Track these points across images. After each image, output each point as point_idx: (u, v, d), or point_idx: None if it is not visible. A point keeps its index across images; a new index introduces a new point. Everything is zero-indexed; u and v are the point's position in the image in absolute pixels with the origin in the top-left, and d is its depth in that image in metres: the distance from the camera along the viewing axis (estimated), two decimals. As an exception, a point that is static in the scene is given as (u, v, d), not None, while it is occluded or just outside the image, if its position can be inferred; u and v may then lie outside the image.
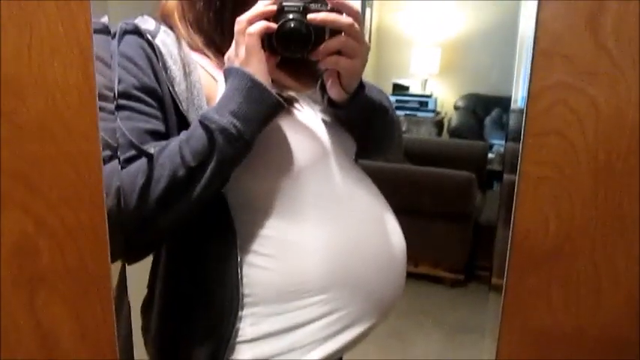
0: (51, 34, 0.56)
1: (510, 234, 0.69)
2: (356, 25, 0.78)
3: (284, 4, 0.77)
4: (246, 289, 0.82)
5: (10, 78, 0.56)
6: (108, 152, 0.71)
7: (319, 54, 0.79)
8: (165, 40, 0.83)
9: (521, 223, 0.69)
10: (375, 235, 0.89)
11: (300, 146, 0.84)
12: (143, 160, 0.75)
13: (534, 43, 0.62)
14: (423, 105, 5.68)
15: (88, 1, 0.56)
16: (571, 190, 0.67)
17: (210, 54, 0.87)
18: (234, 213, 0.82)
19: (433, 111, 5.70)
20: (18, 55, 0.56)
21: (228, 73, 0.78)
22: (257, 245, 0.83)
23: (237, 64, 0.77)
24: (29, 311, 0.62)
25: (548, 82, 0.63)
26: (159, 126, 0.79)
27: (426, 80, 5.89)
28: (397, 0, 5.97)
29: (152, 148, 0.75)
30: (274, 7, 0.77)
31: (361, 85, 0.87)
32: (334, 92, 0.86)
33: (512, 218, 0.69)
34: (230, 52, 0.79)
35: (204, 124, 0.75)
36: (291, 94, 0.88)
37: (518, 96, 0.66)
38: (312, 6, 0.78)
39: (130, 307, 0.68)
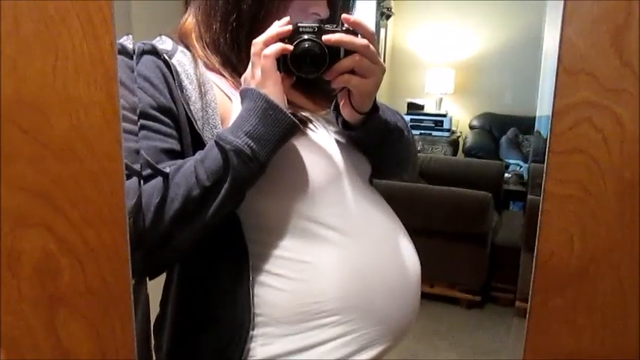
0: (76, 54, 0.56)
1: (535, 254, 0.68)
2: (371, 47, 0.79)
3: (299, 24, 0.78)
4: (257, 309, 0.81)
5: (36, 97, 0.56)
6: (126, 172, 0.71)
7: (332, 73, 0.79)
8: (181, 59, 0.84)
9: (545, 243, 0.68)
10: (390, 257, 0.89)
11: (313, 167, 0.84)
12: (159, 179, 0.75)
13: (558, 60, 0.61)
14: (438, 124, 5.68)
15: (112, 22, 0.56)
16: (596, 209, 0.65)
17: (226, 73, 0.88)
18: (246, 232, 0.82)
19: (448, 130, 5.69)
20: (43, 74, 0.56)
21: (244, 95, 0.78)
22: (269, 265, 0.82)
23: (253, 85, 0.78)
24: (49, 330, 0.62)
25: (572, 100, 0.62)
26: (175, 145, 0.80)
27: (440, 99, 5.90)
28: (411, 20, 6.01)
29: (168, 167, 0.76)
30: (290, 28, 0.78)
31: (375, 107, 0.86)
32: (346, 112, 0.86)
33: (536, 238, 0.68)
34: (247, 74, 0.80)
35: (219, 145, 0.75)
36: (306, 114, 0.88)
37: (542, 115, 0.66)
38: (327, 27, 0.78)
39: (149, 325, 0.67)
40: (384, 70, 0.81)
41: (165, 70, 0.82)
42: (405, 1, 5.97)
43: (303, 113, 0.88)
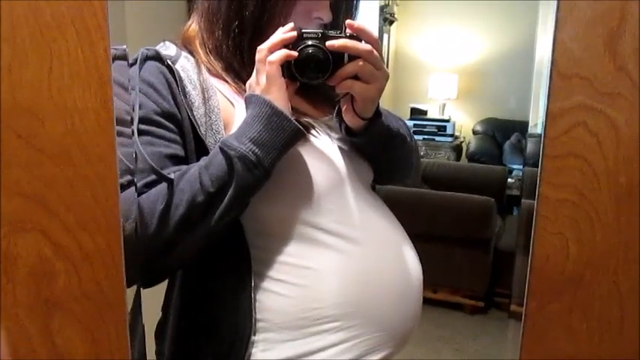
0: (71, 60, 0.57)
1: (530, 259, 0.68)
2: (375, 52, 0.79)
3: (303, 30, 0.78)
4: (259, 315, 0.81)
5: (31, 102, 0.57)
6: (129, 177, 0.72)
7: (336, 79, 0.79)
8: (185, 65, 0.84)
9: (540, 247, 0.68)
10: (391, 263, 0.88)
11: (316, 173, 0.84)
12: (163, 185, 0.75)
13: (552, 64, 0.61)
14: (441, 129, 5.67)
15: (107, 28, 0.57)
16: (592, 214, 0.65)
17: (228, 79, 0.88)
18: (249, 238, 0.82)
19: (451, 135, 5.69)
20: (38, 79, 0.57)
21: (249, 101, 0.78)
22: (272, 271, 0.82)
23: (258, 91, 0.78)
24: (44, 334, 0.62)
25: (567, 104, 0.62)
26: (178, 150, 0.80)
27: (444, 105, 5.90)
28: (414, 26, 6.02)
29: (172, 173, 0.76)
30: (294, 34, 0.78)
31: (377, 113, 0.86)
32: (349, 118, 0.85)
33: (531, 242, 0.67)
34: (251, 80, 0.80)
35: (223, 151, 0.75)
36: (308, 120, 0.88)
37: (537, 119, 0.66)
38: (331, 32, 0.79)
39: (144, 330, 0.67)
40: (387, 76, 0.81)
41: (169, 75, 0.82)
42: (409, 6, 5.98)
43: (306, 119, 0.88)
